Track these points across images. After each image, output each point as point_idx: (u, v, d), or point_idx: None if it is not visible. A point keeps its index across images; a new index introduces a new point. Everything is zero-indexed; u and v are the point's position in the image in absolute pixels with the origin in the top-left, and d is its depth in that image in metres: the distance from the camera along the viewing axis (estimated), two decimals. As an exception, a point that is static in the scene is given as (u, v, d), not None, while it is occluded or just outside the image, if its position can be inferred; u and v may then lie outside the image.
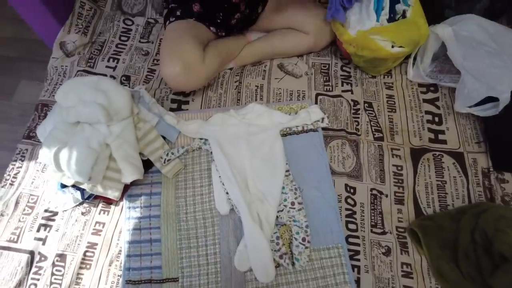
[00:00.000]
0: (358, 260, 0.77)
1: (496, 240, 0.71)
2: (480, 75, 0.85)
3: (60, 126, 0.78)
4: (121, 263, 0.77)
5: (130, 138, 0.79)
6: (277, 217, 0.79)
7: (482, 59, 0.86)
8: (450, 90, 0.96)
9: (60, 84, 0.99)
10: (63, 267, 0.77)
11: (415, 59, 0.99)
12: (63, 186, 0.80)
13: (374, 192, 0.84)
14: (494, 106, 0.85)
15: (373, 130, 0.92)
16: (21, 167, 0.90)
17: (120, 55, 1.06)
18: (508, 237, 0.70)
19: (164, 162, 0.83)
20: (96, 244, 0.80)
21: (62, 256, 0.78)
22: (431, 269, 0.76)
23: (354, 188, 0.84)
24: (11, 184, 0.88)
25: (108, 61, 1.05)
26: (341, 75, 1.01)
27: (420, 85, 0.98)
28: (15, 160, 0.91)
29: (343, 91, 0.97)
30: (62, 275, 0.77)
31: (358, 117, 0.93)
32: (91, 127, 0.78)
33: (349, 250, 0.77)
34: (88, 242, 0.80)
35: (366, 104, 0.96)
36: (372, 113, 0.94)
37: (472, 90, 0.85)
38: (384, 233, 0.80)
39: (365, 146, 0.89)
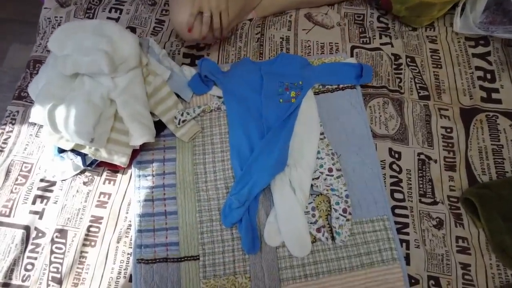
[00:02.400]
0: (407, 234, 0.66)
1: None
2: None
3: (55, 80, 0.66)
4: (131, 240, 0.67)
5: (139, 93, 0.67)
6: (312, 185, 0.67)
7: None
8: (504, 43, 0.84)
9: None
10: (64, 244, 0.67)
11: (463, 9, 0.86)
12: (61, 151, 0.69)
13: (422, 157, 0.73)
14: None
15: (418, 87, 0.80)
16: (11, 131, 0.78)
17: (123, 5, 0.92)
18: None
19: (179, 124, 0.71)
20: (102, 218, 0.69)
21: (62, 232, 0.67)
22: (490, 244, 0.65)
23: (399, 153, 0.73)
24: (1, 151, 0.76)
25: (110, 11, 0.91)
26: (378, 27, 0.88)
27: (467, 38, 0.86)
28: (5, 124, 0.79)
29: (381, 44, 0.84)
30: (63, 253, 0.66)
31: (401, 73, 0.81)
32: (93, 79, 0.66)
33: (396, 222, 0.67)
34: (92, 216, 0.69)
35: (408, 59, 0.83)
36: (415, 69, 0.82)
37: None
38: (434, 203, 0.69)
39: (410, 106, 0.77)
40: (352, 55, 0.83)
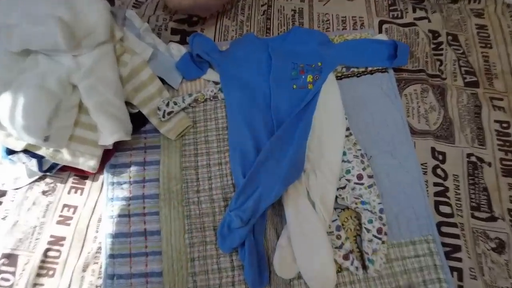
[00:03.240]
0: (459, 260, 0.51)
1: None
2: None
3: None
4: (100, 268, 0.51)
5: (110, 76, 0.51)
6: (336, 197, 0.52)
7: None
8: None
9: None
10: (13, 273, 0.51)
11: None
12: (10, 152, 0.53)
13: (472, 159, 0.57)
14: None
15: (463, 72, 0.65)
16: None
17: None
18: None
19: (163, 117, 0.56)
20: (64, 239, 0.54)
21: (11, 257, 0.52)
22: None
23: (444, 154, 0.58)
24: None
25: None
26: (410, -1, 0.72)
27: (521, 12, 0.70)
28: None
29: (416, 18, 0.69)
30: (11, 286, 0.50)
31: (441, 54, 0.66)
32: (49, 58, 0.51)
33: (444, 244, 0.52)
34: (52, 236, 0.54)
35: (449, 37, 0.68)
36: (459, 49, 0.67)
37: None
38: (492, 218, 0.54)
39: (454, 94, 0.62)
40: (380, 32, 0.67)
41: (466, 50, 0.67)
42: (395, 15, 0.69)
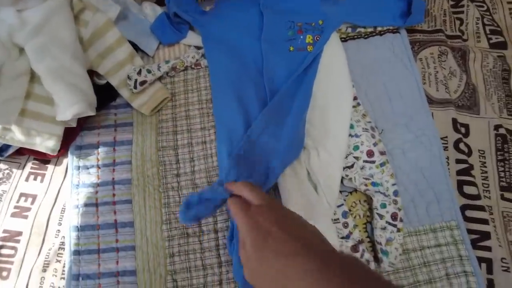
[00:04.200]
0: (488, 249, 0.44)
1: None
2: None
3: None
4: (64, 267, 0.43)
5: (65, 36, 0.42)
6: (342, 178, 0.44)
7: None
8: None
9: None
10: (-40, 275, 0.43)
11: None
12: (-49, 131, 0.44)
13: (501, 131, 0.49)
14: None
15: (488, 31, 0.56)
16: None
17: None
18: None
19: (135, 88, 0.47)
20: (20, 234, 0.46)
21: (-43, 256, 0.44)
22: None
23: (467, 126, 0.50)
24: None
25: None
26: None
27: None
28: None
29: (432, -30, 0.59)
30: (-44, 290, 0.42)
31: (462, 11, 0.58)
32: (-13, 14, 0.41)
33: (469, 231, 0.44)
34: (5, 231, 0.46)
35: (471, -9, 0.58)
36: (483, 6, 0.58)
37: None
38: (525, 200, 0.46)
39: (478, 58, 0.54)
40: (389, -14, 0.57)
41: (491, 6, 0.59)
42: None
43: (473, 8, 0.57)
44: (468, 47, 0.54)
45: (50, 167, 0.50)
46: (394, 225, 0.41)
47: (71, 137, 0.49)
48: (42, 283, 0.43)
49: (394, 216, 0.42)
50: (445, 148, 0.48)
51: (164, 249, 0.43)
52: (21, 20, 0.40)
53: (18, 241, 0.45)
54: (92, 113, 0.44)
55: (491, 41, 0.55)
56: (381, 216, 0.42)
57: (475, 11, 0.57)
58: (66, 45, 0.42)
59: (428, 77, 0.52)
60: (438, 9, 0.56)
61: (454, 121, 0.49)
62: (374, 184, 0.43)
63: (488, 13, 0.57)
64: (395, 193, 0.43)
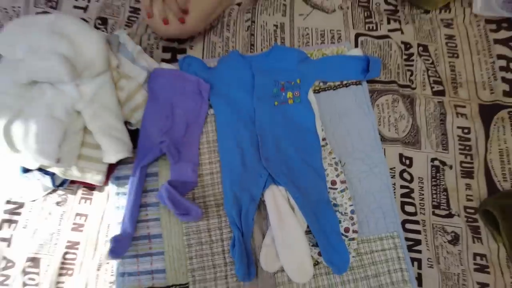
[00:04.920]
0: (419, 251, 0.59)
1: None
2: None
3: (8, 89, 0.56)
4: (112, 267, 0.59)
5: (110, 102, 0.57)
6: (313, 200, 0.60)
7: None
8: (529, 26, 0.74)
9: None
10: (37, 274, 0.59)
11: (483, -15, 0.74)
12: (26, 170, 0.60)
13: (436, 163, 0.65)
14: None
15: (431, 81, 0.70)
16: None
17: (92, -10, 0.80)
18: None
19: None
20: (78, 243, 0.61)
21: (34, 261, 0.60)
22: (512, 260, 0.59)
23: (411, 159, 0.65)
24: (-41, 168, 0.67)
25: (77, -1, 0.79)
26: (385, 10, 0.77)
27: (488, 21, 0.75)
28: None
29: (390, 30, 0.74)
30: (37, 285, 0.59)
31: (412, 65, 0.71)
32: (54, 88, 0.56)
33: (407, 239, 0.60)
34: (68, 241, 0.61)
35: (420, 48, 0.73)
36: (428, 60, 0.72)
37: None
38: (449, 215, 0.62)
39: (422, 103, 0.68)
40: (356, 45, 0.72)
41: (435, 60, 0.72)
42: (371, 27, 0.74)
43: (420, 62, 0.72)
44: (416, 94, 0.69)
45: (95, 193, 0.66)
46: (346, 236, 0.57)
47: (111, 170, 0.64)
48: (97, 279, 0.60)
49: (346, 230, 0.57)
50: (393, 177, 0.63)
51: (185, 253, 0.59)
52: (79, 93, 0.56)
53: (77, 249, 0.61)
54: (130, 155, 0.59)
55: (433, 89, 0.70)
56: (339, 230, 0.58)
57: (422, 65, 0.71)
58: (111, 109, 0.57)
59: (382, 120, 0.67)
60: (393, 63, 0.71)
61: (401, 155, 0.64)
62: (335, 205, 0.60)
63: (432, 66, 0.72)
64: (352, 211, 0.59)
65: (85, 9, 0.78)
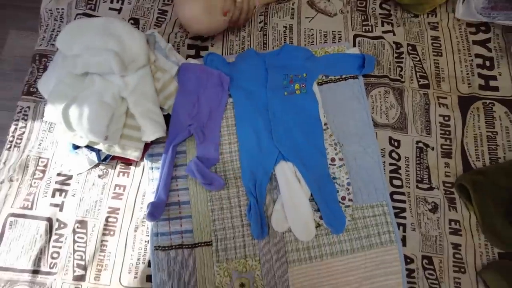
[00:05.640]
0: (404, 217, 0.71)
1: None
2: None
3: (66, 79, 0.68)
4: (147, 228, 0.71)
5: (149, 91, 0.69)
6: (317, 173, 0.72)
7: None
8: (504, 30, 0.85)
9: (58, 31, 0.86)
10: (85, 234, 0.71)
11: (465, -7, 0.86)
12: (76, 147, 0.72)
13: (420, 145, 0.76)
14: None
15: (418, 76, 0.82)
16: (25, 127, 0.80)
17: (125, -6, 0.92)
18: None
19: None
20: (118, 209, 0.73)
21: (82, 223, 0.72)
22: (481, 226, 0.71)
23: (399, 141, 0.76)
24: (16, 146, 0.79)
25: (112, 1, 0.90)
26: (380, 14, 0.88)
27: (469, 24, 0.87)
28: (17, 120, 0.81)
29: (383, 32, 0.85)
30: (85, 242, 0.71)
31: (402, 62, 0.83)
32: (103, 79, 0.68)
33: (394, 207, 0.72)
34: (109, 207, 0.73)
35: (409, 47, 0.85)
36: (416, 57, 0.84)
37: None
38: (430, 188, 0.74)
39: (410, 94, 0.80)
40: (354, 44, 0.84)
41: (422, 58, 0.84)
42: (367, 29, 0.85)
43: (409, 59, 0.83)
44: (405, 87, 0.80)
45: (132, 168, 0.77)
46: (343, 203, 0.69)
47: (146, 148, 0.76)
48: (135, 238, 0.71)
49: (343, 198, 0.69)
50: (383, 156, 0.75)
51: (209, 217, 0.70)
52: (124, 83, 0.67)
53: (118, 213, 0.73)
54: (164, 135, 0.71)
55: (419, 83, 0.81)
56: (337, 198, 0.70)
57: (410, 62, 0.83)
58: (149, 96, 0.69)
59: (375, 108, 0.78)
60: (386, 60, 0.82)
61: (390, 138, 0.76)
62: (334, 178, 0.71)
63: (419, 63, 0.83)
64: (348, 184, 0.71)
65: (119, 10, 0.90)
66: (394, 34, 0.85)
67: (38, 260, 0.70)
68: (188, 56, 0.82)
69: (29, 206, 0.73)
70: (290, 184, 0.70)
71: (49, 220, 0.72)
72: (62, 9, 0.90)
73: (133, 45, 0.67)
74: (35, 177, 0.76)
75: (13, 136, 0.79)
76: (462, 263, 0.69)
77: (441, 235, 0.71)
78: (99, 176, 0.76)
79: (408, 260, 0.68)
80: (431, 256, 0.69)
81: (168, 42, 0.83)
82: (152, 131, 0.69)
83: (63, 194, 0.74)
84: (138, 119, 0.69)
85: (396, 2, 0.88)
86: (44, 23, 0.89)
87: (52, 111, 0.69)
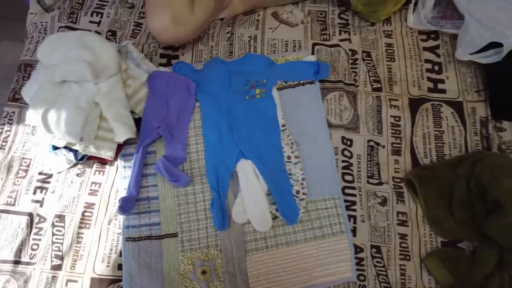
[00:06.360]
0: (355, 210, 0.77)
1: (492, 187, 0.71)
2: (485, 20, 0.80)
3: (46, 86, 0.75)
4: (120, 222, 0.78)
5: (120, 96, 0.76)
6: (274, 170, 0.78)
7: (489, 2, 0.81)
8: (452, 37, 0.92)
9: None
10: (63, 227, 0.78)
11: (416, 4, 0.93)
12: (55, 148, 0.79)
13: (371, 143, 0.83)
14: (497, 53, 0.82)
15: (372, 80, 0.89)
16: (10, 130, 0.88)
17: (104, 9, 1.00)
18: (503, 184, 0.70)
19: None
20: (94, 204, 0.80)
21: (61, 217, 0.79)
22: (426, 217, 0.77)
23: (351, 140, 0.83)
24: (2, 148, 0.86)
25: (92, 15, 0.98)
26: (338, 23, 0.96)
27: (420, 32, 0.94)
28: (3, 124, 0.88)
29: (340, 40, 0.92)
30: (63, 234, 0.77)
31: (356, 68, 0.90)
32: (79, 85, 0.75)
33: (345, 201, 0.78)
34: (86, 203, 0.80)
35: (364, 54, 0.92)
36: (370, 63, 0.91)
37: (475, 35, 0.81)
38: (380, 183, 0.80)
39: (363, 97, 0.87)
40: (313, 52, 0.91)
41: (375, 63, 0.91)
42: (325, 38, 0.93)
43: (363, 65, 0.90)
44: (358, 91, 0.87)
45: (107, 167, 0.83)
46: (297, 197, 0.76)
47: (119, 149, 0.83)
48: (108, 230, 0.77)
49: (297, 192, 0.76)
50: (336, 154, 0.81)
51: (175, 211, 0.77)
52: (98, 89, 0.74)
53: (93, 208, 0.79)
54: (134, 136, 0.78)
55: (373, 87, 0.88)
56: (292, 192, 0.77)
57: (364, 67, 0.89)
58: (120, 101, 0.76)
59: (330, 111, 0.85)
60: (341, 67, 0.89)
61: (343, 137, 0.82)
62: (290, 174, 0.78)
63: (373, 68, 0.90)
64: (303, 179, 0.77)
65: (98, 23, 0.98)
66: (350, 42, 0.92)
67: (19, 251, 0.76)
68: (160, 64, 0.90)
69: (12, 203, 0.80)
70: (249, 180, 0.77)
71: (30, 215, 0.79)
72: (46, 22, 0.98)
73: (105, 55, 0.74)
74: (18, 176, 0.83)
75: (-1, 139, 0.87)
76: (408, 252, 0.75)
77: (389, 226, 0.77)
78: (77, 175, 0.83)
79: (358, 249, 0.75)
80: (379, 246, 0.75)
81: (142, 51, 0.91)
82: (123, 132, 0.76)
83: (44, 191, 0.81)
84: (111, 122, 0.76)
85: (354, 12, 0.95)
86: (29, 35, 0.97)
87: (33, 115, 0.76)
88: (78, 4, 1.00)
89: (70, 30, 0.95)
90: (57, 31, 0.95)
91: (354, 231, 0.76)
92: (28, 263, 0.76)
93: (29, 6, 0.99)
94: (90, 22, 0.98)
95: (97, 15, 0.98)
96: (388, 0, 0.87)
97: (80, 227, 0.78)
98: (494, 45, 0.81)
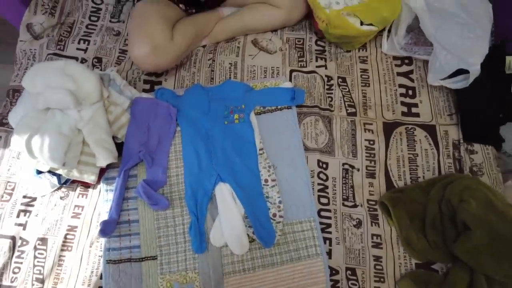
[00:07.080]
0: (330, 232, 0.79)
1: (460, 209, 0.74)
2: (451, 47, 0.85)
3: (30, 113, 0.78)
4: (101, 244, 0.80)
5: (102, 122, 0.79)
6: (252, 194, 0.81)
7: (454, 31, 0.85)
8: (425, 63, 0.96)
9: (30, 69, 0.97)
10: (45, 250, 0.80)
11: (389, 31, 0.97)
12: (39, 172, 0.81)
13: (346, 166, 0.86)
14: (465, 78, 0.86)
15: (346, 105, 0.92)
16: (-4, 154, 0.90)
17: (90, 36, 1.04)
18: (470, 206, 0.73)
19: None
20: (76, 227, 0.82)
21: (43, 240, 0.80)
22: (400, 239, 0.79)
23: (327, 163, 0.86)
24: (-13, 172, 0.88)
25: (79, 43, 1.02)
26: (315, 50, 1.00)
27: (395, 58, 0.98)
28: (-10, 148, 0.91)
29: (317, 66, 0.96)
30: (45, 257, 0.79)
31: (332, 93, 0.93)
32: (62, 112, 0.78)
33: (321, 223, 0.80)
34: (68, 225, 0.82)
35: (340, 79, 0.95)
36: (345, 88, 0.94)
37: (443, 62, 0.85)
38: (355, 206, 0.82)
39: (338, 122, 0.90)
40: (290, 79, 0.95)
41: (350, 88, 0.94)
42: (302, 65, 0.96)
43: (339, 90, 0.93)
44: (333, 115, 0.90)
45: (90, 190, 0.86)
46: (274, 220, 0.78)
47: (102, 173, 0.85)
48: (90, 253, 0.79)
49: (274, 215, 0.78)
50: (312, 176, 0.84)
51: (155, 234, 0.79)
52: (80, 116, 0.77)
53: (76, 231, 0.81)
54: (116, 161, 0.81)
55: (348, 111, 0.91)
56: (268, 215, 0.79)
57: (340, 92, 0.93)
58: (102, 127, 0.79)
59: (307, 135, 0.88)
60: (317, 92, 0.92)
61: (319, 161, 0.85)
62: (267, 197, 0.80)
63: (348, 93, 0.94)
64: (280, 202, 0.80)
65: (85, 50, 1.02)
66: (326, 68, 0.96)
67: (0, 275, 0.78)
68: (143, 90, 0.93)
69: (-4, 226, 0.82)
70: (227, 203, 0.79)
71: (13, 238, 0.81)
72: (35, 49, 1.01)
73: (86, 83, 0.77)
74: (2, 199, 0.85)
75: (-15, 163, 0.89)
76: (382, 274, 0.77)
77: (364, 248, 0.79)
78: (61, 198, 0.85)
79: (333, 271, 0.76)
80: (354, 268, 0.77)
81: (127, 78, 0.94)
82: (104, 157, 0.78)
83: (27, 214, 0.83)
84: (92, 148, 0.78)
85: (330, 40, 1.00)
86: (18, 61, 1.01)
87: (18, 141, 0.78)
88: (66, 32, 1.04)
89: (58, 57, 0.99)
90: (45, 58, 0.99)
91: (329, 253, 0.78)
92: (9, 287, 0.77)
93: (19, 28, 1.03)
94: (77, 49, 1.02)
95: (84, 43, 1.02)
96: (359, 36, 0.91)
97: (62, 250, 0.80)
98: (463, 70, 0.84)
